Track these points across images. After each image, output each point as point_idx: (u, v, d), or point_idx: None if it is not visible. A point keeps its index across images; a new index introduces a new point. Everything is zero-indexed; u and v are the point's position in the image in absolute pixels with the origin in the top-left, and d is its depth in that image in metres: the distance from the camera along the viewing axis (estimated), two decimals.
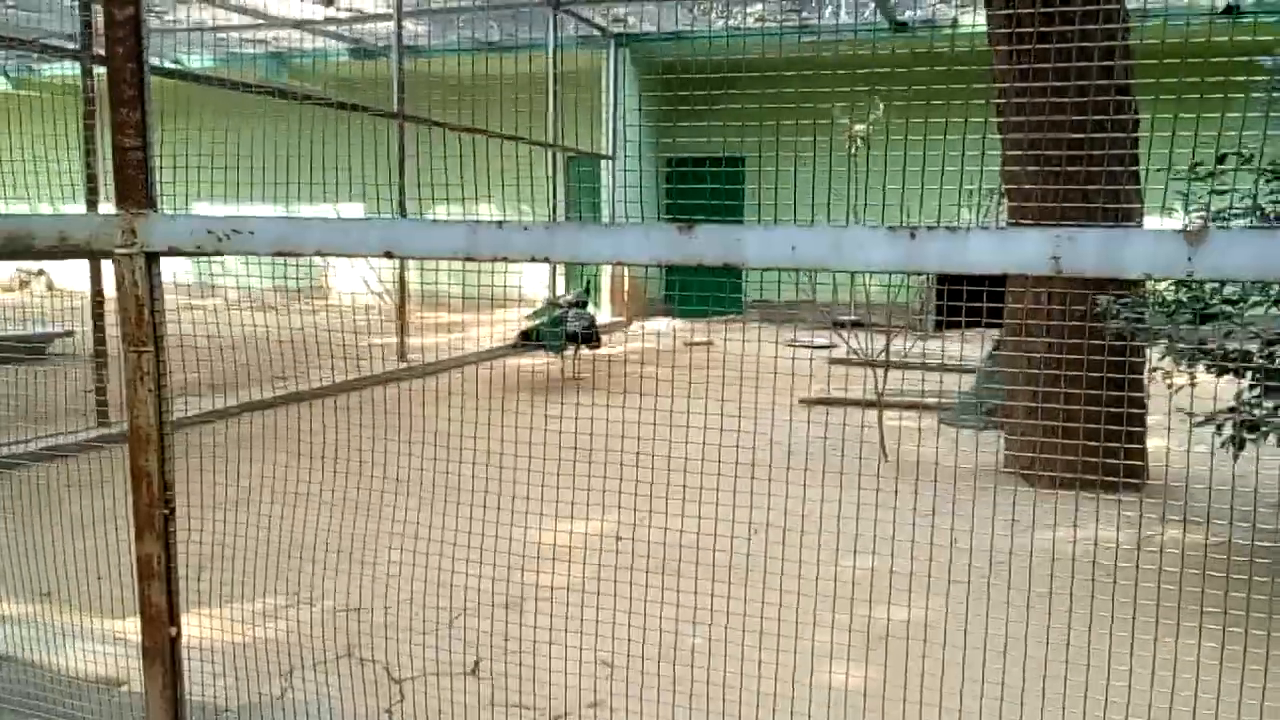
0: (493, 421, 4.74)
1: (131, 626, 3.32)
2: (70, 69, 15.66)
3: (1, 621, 3.38)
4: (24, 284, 17.27)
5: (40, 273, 17.46)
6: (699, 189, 13.67)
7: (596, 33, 12.77)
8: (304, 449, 5.56)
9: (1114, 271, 1.28)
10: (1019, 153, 4.95)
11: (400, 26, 8.61)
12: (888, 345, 5.79)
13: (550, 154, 12.28)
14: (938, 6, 11.26)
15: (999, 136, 5.12)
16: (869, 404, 7.43)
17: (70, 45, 6.84)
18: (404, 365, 8.87)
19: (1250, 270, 1.22)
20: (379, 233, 1.68)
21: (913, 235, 1.36)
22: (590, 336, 8.64)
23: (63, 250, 1.89)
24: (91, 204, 5.89)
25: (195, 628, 3.29)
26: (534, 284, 15.71)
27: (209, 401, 6.86)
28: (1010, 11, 4.85)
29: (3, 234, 1.92)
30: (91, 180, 5.85)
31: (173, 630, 1.86)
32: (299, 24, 12.62)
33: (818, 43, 12.26)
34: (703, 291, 14.44)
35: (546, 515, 4.12)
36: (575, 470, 3.60)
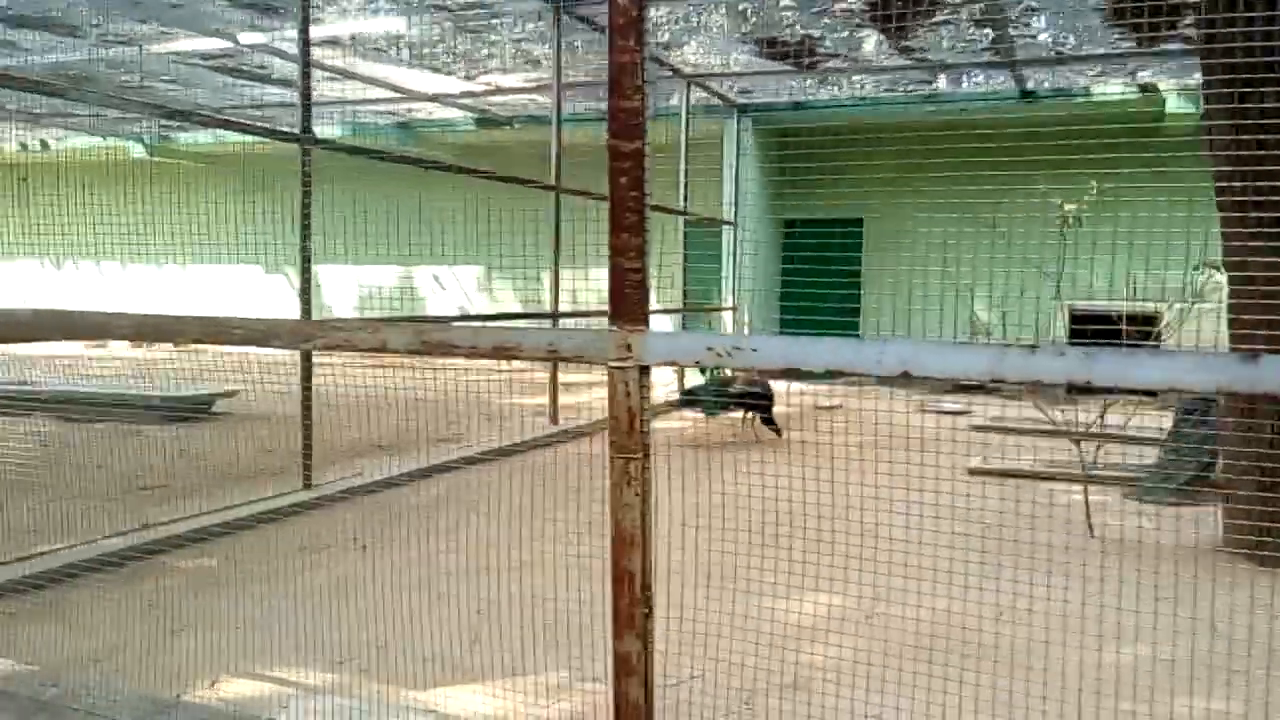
0: (682, 487, 4.81)
1: (435, 698, 3.44)
2: (207, 138, 16.39)
3: (292, 692, 3.52)
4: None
5: None
6: (813, 248, 13.79)
7: (720, 103, 13.04)
8: (505, 514, 5.71)
9: None
10: (1240, 230, 4.94)
11: (560, 101, 8.93)
12: (1102, 415, 5.76)
13: (677, 220, 12.49)
14: (1069, 75, 11.29)
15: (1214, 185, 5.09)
16: (1044, 476, 7.36)
17: (257, 123, 7.22)
18: (557, 428, 9.02)
19: None
20: (895, 352, 1.78)
21: None
22: (761, 405, 8.40)
23: (536, 356, 2.03)
24: (306, 281, 6.18)
25: (480, 703, 3.40)
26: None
27: (386, 464, 7.08)
28: (1231, 82, 4.87)
29: (492, 344, 2.07)
30: (306, 261, 6.14)
31: None
32: (435, 98, 13.13)
33: (941, 111, 12.38)
34: None
35: (787, 588, 4.17)
36: (787, 541, 3.67)
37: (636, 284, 1.95)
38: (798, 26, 9.35)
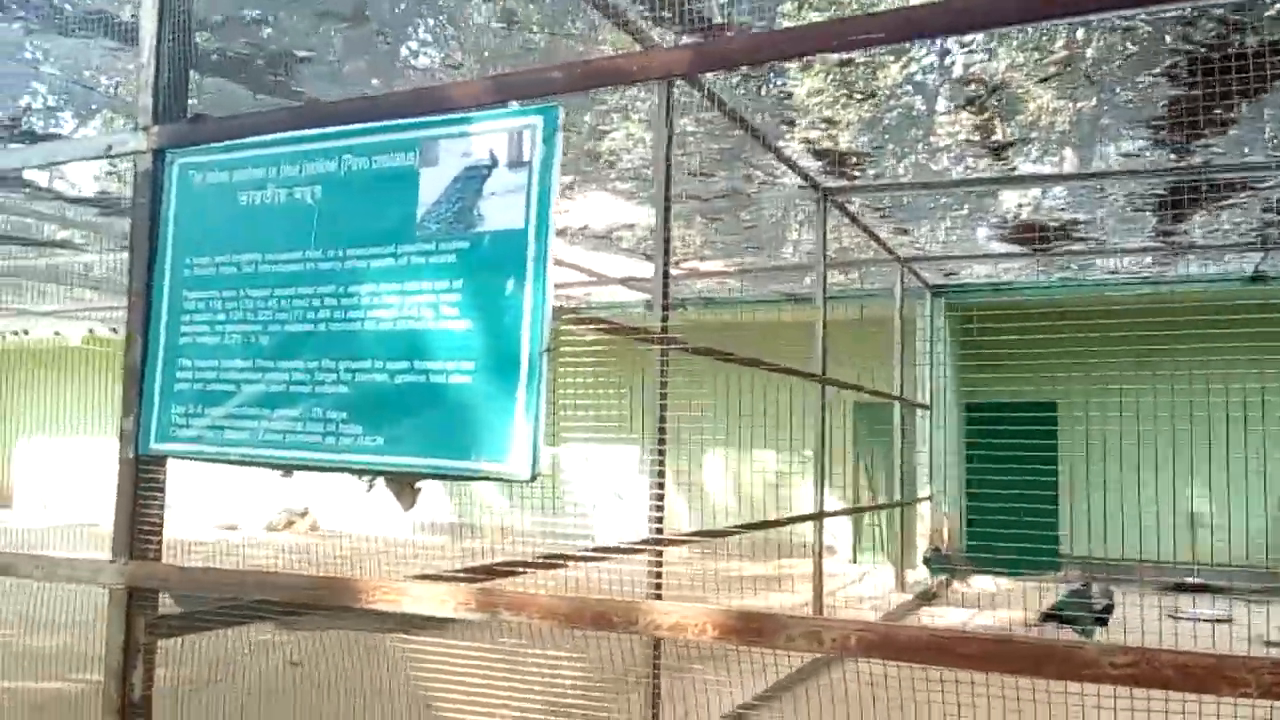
0: None
1: None
2: None
3: None
4: (289, 524, 17.36)
5: (305, 513, 17.60)
6: (1002, 434, 13.03)
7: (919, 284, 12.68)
8: None
9: None
10: None
11: (825, 284, 8.51)
12: None
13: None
14: None
15: None
16: None
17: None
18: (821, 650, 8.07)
19: None
20: None
21: None
22: (1104, 618, 7.62)
23: None
24: (660, 484, 5.57)
25: None
26: (808, 531, 15.01)
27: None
28: None
29: None
30: None
31: None
32: (625, 281, 12.92)
33: (1157, 292, 11.85)
34: (1012, 542, 13.37)
35: None
36: None
37: None
38: (1065, 211, 8.97)
